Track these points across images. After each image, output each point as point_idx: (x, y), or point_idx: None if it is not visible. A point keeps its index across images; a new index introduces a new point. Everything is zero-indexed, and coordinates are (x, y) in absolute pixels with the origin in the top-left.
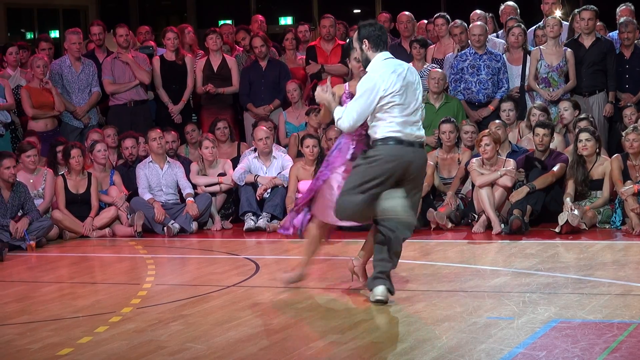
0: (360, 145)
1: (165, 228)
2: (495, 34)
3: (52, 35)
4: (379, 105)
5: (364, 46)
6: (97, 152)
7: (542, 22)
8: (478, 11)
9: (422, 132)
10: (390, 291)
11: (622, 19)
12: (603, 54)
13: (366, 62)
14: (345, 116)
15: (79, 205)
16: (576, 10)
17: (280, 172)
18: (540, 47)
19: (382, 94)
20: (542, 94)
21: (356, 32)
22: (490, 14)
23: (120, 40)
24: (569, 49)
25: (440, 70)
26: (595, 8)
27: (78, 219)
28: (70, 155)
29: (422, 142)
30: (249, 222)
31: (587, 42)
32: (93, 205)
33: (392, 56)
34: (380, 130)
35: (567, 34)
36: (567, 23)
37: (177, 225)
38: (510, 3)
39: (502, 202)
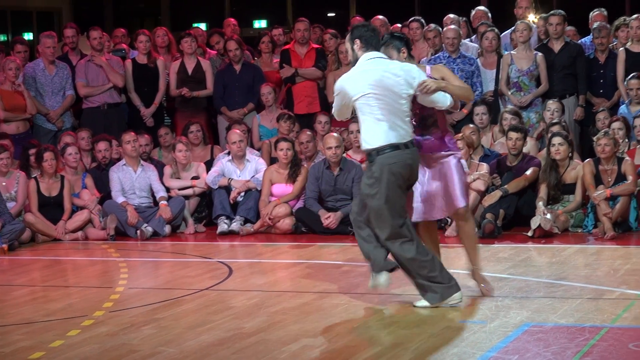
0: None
1: (138, 231)
2: (469, 39)
3: (25, 38)
4: (359, 109)
5: (355, 46)
6: (68, 156)
7: (515, 26)
8: (451, 15)
9: (410, 129)
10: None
11: (595, 24)
12: (572, 58)
13: (355, 61)
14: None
15: (52, 208)
16: (544, 15)
17: (253, 176)
18: (511, 51)
19: (353, 96)
20: (512, 100)
21: (350, 33)
22: (464, 18)
23: (94, 43)
24: (539, 53)
25: None
26: (563, 13)
27: (51, 222)
28: (43, 158)
29: (413, 140)
30: (222, 226)
31: (556, 46)
32: (66, 208)
33: (381, 56)
34: (374, 139)
35: (537, 38)
36: (535, 27)
37: (150, 229)
38: (482, 8)
39: (475, 206)
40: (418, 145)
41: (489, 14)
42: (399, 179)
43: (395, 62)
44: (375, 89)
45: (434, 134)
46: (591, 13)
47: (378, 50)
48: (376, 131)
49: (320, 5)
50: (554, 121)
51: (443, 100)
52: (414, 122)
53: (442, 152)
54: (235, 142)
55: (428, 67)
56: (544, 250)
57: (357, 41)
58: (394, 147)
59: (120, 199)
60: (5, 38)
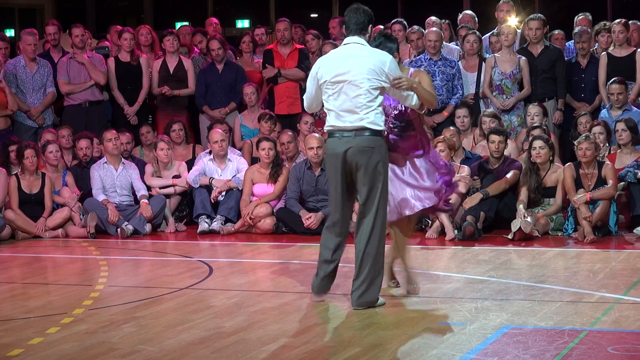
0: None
1: (118, 229)
2: (454, 43)
3: (7, 34)
4: (323, 93)
5: (344, 30)
6: (48, 154)
7: (496, 29)
8: (433, 18)
9: (364, 120)
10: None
11: (576, 29)
12: (552, 62)
13: None
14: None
15: (32, 205)
16: (525, 19)
17: (235, 175)
18: (495, 54)
19: (320, 80)
20: (495, 103)
21: None
22: (447, 21)
23: (75, 41)
24: (523, 57)
25: None
26: (543, 17)
27: (31, 219)
28: (23, 156)
29: (363, 128)
30: (203, 225)
31: (536, 50)
32: (46, 205)
33: (358, 41)
34: (325, 124)
35: (518, 42)
36: (520, 31)
37: (130, 227)
38: (469, 12)
39: (455, 208)
40: (394, 144)
41: (476, 19)
42: (331, 166)
43: (372, 51)
44: (334, 77)
45: (411, 135)
46: (576, 17)
47: (359, 31)
48: (327, 119)
49: (303, 5)
50: (535, 124)
51: (410, 100)
52: (390, 124)
53: (416, 153)
54: (217, 142)
55: (411, 70)
56: (524, 253)
57: (343, 27)
58: (331, 134)
59: (100, 197)
60: None
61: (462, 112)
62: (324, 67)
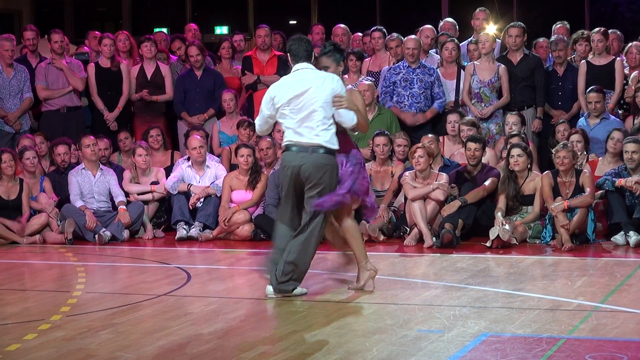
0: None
1: (96, 236)
2: (434, 50)
3: None
4: (279, 114)
5: (290, 59)
6: (25, 160)
7: (472, 36)
8: (428, 26)
9: (320, 137)
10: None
11: (552, 38)
12: (531, 70)
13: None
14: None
15: (10, 211)
16: (505, 27)
17: (213, 182)
18: (475, 62)
19: (276, 104)
20: (473, 111)
21: None
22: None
23: (55, 47)
24: (502, 65)
25: (367, 82)
26: (522, 25)
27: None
28: (1, 161)
29: (319, 146)
30: (181, 231)
31: (515, 58)
32: (24, 211)
33: (309, 67)
34: (283, 138)
35: (499, 50)
36: (500, 41)
37: (108, 233)
38: (450, 19)
39: (434, 216)
40: None
41: (457, 26)
42: (285, 177)
43: (320, 73)
44: (292, 98)
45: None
46: (554, 26)
47: (307, 58)
48: (285, 134)
49: (282, 12)
50: (514, 133)
51: (349, 119)
52: None
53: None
54: (195, 148)
55: (349, 86)
56: (502, 261)
57: (288, 54)
58: (289, 148)
59: (78, 203)
60: None
61: (453, 117)
62: (280, 92)
